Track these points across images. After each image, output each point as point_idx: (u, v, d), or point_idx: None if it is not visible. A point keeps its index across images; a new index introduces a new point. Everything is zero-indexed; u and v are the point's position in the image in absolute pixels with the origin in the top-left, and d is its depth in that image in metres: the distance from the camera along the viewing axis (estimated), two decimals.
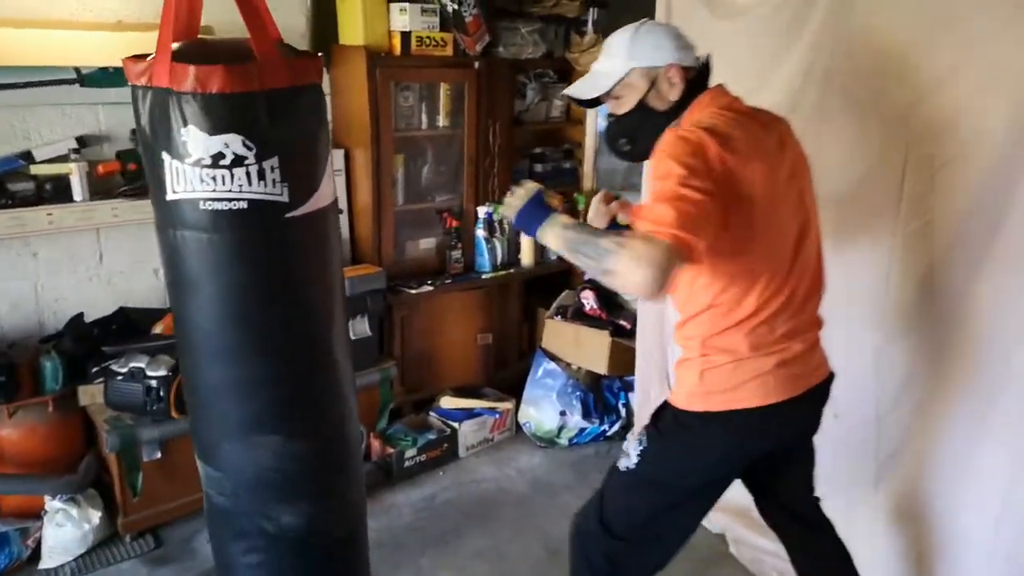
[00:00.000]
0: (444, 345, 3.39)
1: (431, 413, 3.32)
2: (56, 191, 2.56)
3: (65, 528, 2.48)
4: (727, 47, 2.53)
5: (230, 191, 1.38)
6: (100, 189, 2.64)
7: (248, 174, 1.38)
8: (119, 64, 2.55)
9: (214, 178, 1.37)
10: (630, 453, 1.70)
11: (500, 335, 3.58)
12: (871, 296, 2.14)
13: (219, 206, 1.39)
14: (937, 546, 2.10)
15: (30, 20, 2.51)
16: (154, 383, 2.46)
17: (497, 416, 3.31)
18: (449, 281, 3.34)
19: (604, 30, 3.65)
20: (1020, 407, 1.85)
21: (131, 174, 2.67)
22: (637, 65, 1.61)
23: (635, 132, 1.67)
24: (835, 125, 2.21)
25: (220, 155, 1.36)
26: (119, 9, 2.66)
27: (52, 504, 2.49)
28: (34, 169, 2.56)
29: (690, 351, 1.66)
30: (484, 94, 3.30)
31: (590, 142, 3.89)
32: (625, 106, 1.64)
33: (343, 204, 3.21)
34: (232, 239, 1.43)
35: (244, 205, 1.39)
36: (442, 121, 3.34)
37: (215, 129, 1.34)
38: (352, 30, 3.02)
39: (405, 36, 3.02)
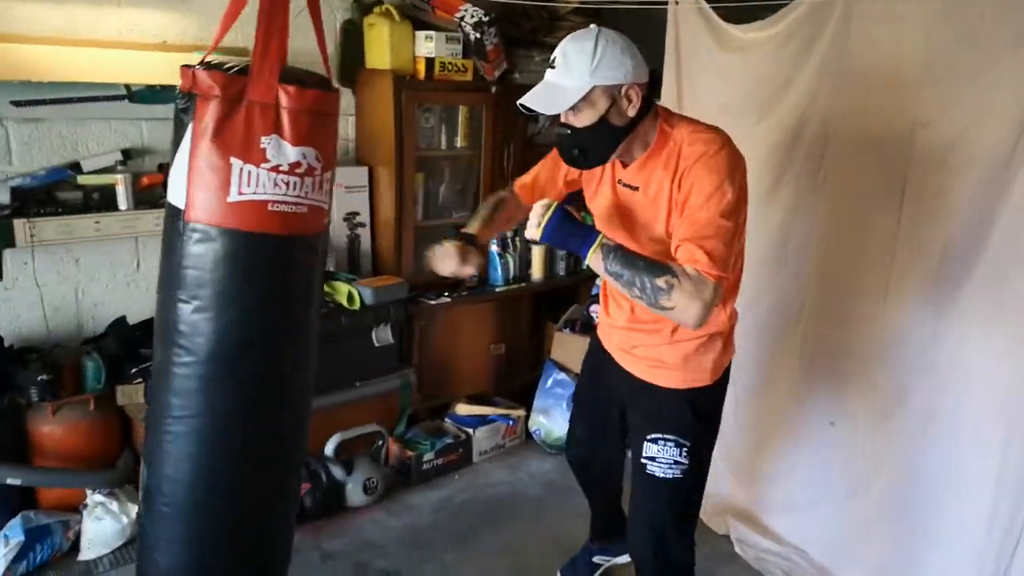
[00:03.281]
0: (459, 354, 3.55)
1: (446, 419, 3.47)
2: (102, 200, 2.70)
3: (104, 521, 2.58)
4: (734, 79, 2.74)
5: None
6: (143, 199, 2.78)
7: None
8: (164, 82, 2.73)
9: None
10: (678, 459, 1.85)
11: (512, 346, 3.74)
12: None
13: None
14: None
15: (81, 39, 2.66)
16: None
17: (510, 423, 3.46)
18: (465, 293, 3.50)
19: None
20: None
21: None
22: (599, 84, 1.62)
23: (591, 145, 1.70)
24: (837, 154, 2.41)
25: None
26: (164, 31, 2.82)
27: (92, 498, 2.60)
28: (81, 179, 2.71)
29: (702, 337, 1.85)
30: (500, 117, 3.47)
31: None
32: (584, 120, 1.66)
33: (366, 219, 3.37)
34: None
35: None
36: (460, 142, 3.52)
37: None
38: (379, 55, 3.19)
39: (429, 62, 3.20)
